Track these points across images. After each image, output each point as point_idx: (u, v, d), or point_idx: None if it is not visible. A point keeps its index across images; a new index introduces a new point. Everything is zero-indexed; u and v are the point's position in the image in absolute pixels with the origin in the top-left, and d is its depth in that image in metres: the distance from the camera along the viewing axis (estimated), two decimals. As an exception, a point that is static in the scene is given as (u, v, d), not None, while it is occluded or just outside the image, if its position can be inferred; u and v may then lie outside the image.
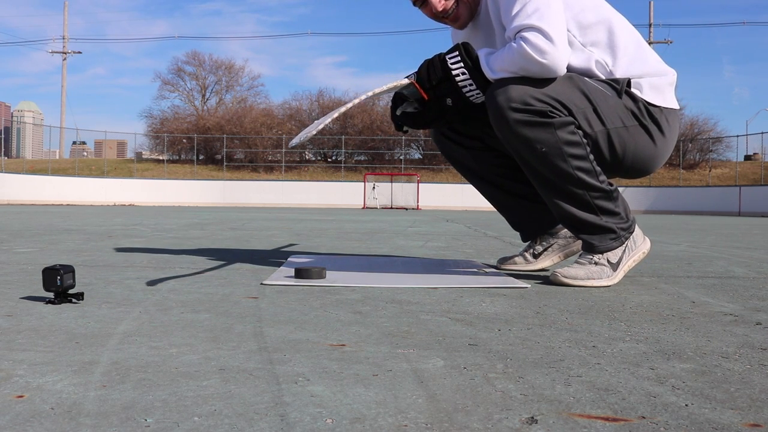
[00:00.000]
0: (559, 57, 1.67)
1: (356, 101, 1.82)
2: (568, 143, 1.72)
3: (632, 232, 1.85)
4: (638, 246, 1.86)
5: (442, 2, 1.89)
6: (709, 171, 30.09)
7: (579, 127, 1.74)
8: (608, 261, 1.80)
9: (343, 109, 1.74)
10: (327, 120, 1.77)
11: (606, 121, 1.76)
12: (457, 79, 1.76)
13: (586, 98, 1.74)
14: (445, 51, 1.81)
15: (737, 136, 30.52)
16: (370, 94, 1.81)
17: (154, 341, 1.03)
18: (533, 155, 1.74)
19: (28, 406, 0.71)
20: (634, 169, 1.88)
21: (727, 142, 31.99)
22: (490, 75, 1.74)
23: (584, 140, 1.74)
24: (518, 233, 2.22)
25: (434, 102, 1.81)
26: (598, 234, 1.80)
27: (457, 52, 1.76)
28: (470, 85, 1.77)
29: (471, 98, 1.79)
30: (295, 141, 1.70)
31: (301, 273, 1.79)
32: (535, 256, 2.16)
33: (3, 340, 1.02)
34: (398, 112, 1.88)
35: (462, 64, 1.76)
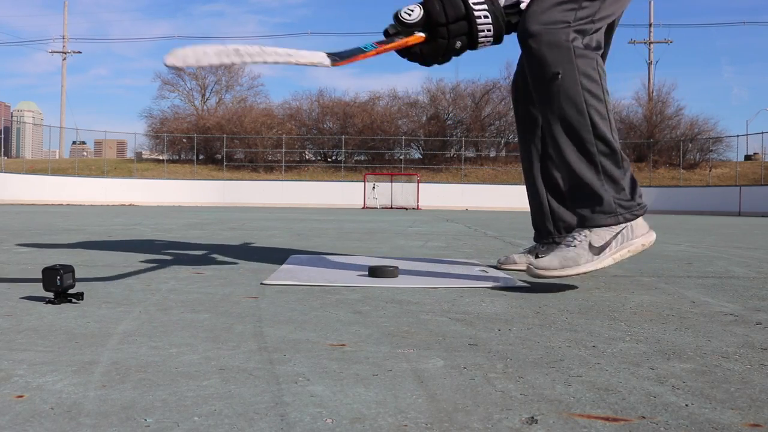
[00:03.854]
0: None
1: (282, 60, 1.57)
2: (586, 76, 1.68)
3: (634, 218, 1.70)
4: (636, 235, 1.70)
5: None
6: (709, 171, 30.09)
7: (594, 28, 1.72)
8: (590, 243, 1.67)
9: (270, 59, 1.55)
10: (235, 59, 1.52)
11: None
12: (479, 21, 1.69)
13: None
14: None
15: (737, 136, 30.53)
16: (293, 61, 1.58)
17: (154, 341, 1.03)
18: (549, 81, 1.68)
19: (28, 406, 0.71)
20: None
21: (727, 142, 32.02)
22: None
23: (602, 80, 1.70)
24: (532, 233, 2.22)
25: (443, 41, 1.70)
26: (592, 203, 1.69)
27: None
28: (488, 29, 1.71)
29: (480, 42, 1.73)
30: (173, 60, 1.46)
31: (375, 272, 1.84)
32: (536, 258, 2.16)
33: (3, 340, 1.02)
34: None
35: (485, 6, 1.70)
